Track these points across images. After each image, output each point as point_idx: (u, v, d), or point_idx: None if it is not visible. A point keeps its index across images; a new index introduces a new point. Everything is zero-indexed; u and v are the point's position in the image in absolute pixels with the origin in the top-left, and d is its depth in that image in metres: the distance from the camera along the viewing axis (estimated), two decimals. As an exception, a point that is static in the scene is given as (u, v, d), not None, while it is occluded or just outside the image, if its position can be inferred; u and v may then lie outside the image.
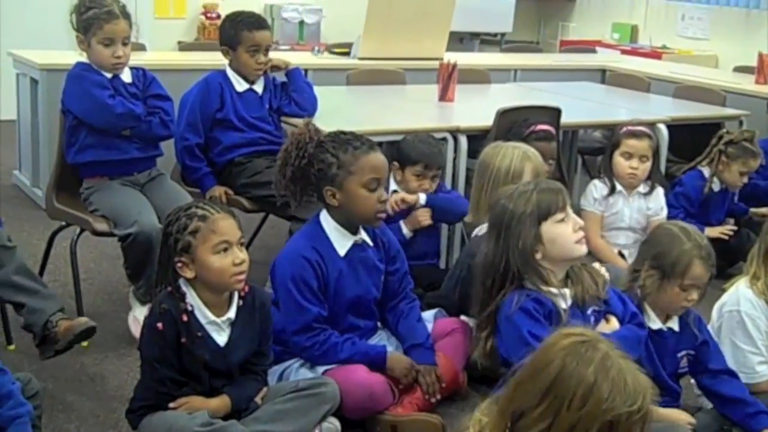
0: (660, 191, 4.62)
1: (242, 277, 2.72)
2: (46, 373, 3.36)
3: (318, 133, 3.16)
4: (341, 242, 3.16)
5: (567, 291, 2.84)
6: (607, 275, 3.00)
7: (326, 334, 3.10)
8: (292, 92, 4.39)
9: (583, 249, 2.86)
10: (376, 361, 3.14)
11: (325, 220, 3.17)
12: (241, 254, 2.71)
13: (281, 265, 3.12)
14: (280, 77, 4.44)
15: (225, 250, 2.68)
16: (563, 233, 2.82)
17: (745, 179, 4.83)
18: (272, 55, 4.37)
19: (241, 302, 2.81)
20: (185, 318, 2.68)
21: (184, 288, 2.73)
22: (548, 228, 2.81)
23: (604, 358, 1.72)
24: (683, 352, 3.04)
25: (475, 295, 2.95)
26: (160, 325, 2.66)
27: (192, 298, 2.72)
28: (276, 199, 3.98)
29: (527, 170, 3.59)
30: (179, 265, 2.68)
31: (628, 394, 1.68)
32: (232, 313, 2.78)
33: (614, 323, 2.85)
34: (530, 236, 2.78)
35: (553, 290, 2.81)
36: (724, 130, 4.91)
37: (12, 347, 3.58)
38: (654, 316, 2.99)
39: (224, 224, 2.70)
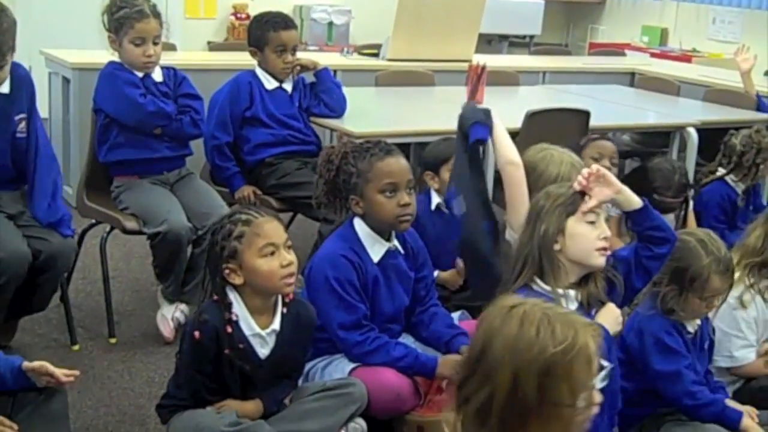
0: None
1: (291, 280, 2.68)
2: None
3: (347, 145, 3.16)
4: (375, 248, 3.13)
5: (572, 292, 2.83)
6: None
7: (376, 332, 3.09)
8: (321, 93, 4.40)
9: (601, 260, 2.82)
10: (426, 367, 3.09)
11: (359, 224, 3.15)
12: (289, 256, 2.67)
13: (321, 266, 3.07)
14: (309, 78, 4.45)
15: (272, 253, 2.64)
16: (587, 234, 2.79)
17: None
18: (301, 55, 4.39)
19: (285, 310, 2.77)
20: (229, 329, 2.64)
21: (231, 297, 2.69)
22: (574, 224, 2.80)
23: (529, 312, 1.68)
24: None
25: (503, 284, 2.95)
26: (197, 334, 2.61)
27: (239, 308, 2.68)
28: (303, 200, 4.02)
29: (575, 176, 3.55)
30: (227, 271, 2.65)
31: (555, 334, 1.65)
32: (276, 324, 2.74)
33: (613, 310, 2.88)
34: (554, 225, 2.78)
35: (560, 291, 2.79)
36: (752, 140, 4.70)
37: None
38: (690, 322, 3.03)
39: (269, 227, 2.67)
